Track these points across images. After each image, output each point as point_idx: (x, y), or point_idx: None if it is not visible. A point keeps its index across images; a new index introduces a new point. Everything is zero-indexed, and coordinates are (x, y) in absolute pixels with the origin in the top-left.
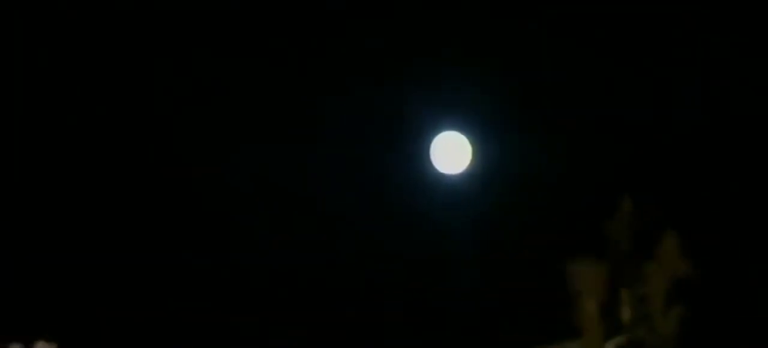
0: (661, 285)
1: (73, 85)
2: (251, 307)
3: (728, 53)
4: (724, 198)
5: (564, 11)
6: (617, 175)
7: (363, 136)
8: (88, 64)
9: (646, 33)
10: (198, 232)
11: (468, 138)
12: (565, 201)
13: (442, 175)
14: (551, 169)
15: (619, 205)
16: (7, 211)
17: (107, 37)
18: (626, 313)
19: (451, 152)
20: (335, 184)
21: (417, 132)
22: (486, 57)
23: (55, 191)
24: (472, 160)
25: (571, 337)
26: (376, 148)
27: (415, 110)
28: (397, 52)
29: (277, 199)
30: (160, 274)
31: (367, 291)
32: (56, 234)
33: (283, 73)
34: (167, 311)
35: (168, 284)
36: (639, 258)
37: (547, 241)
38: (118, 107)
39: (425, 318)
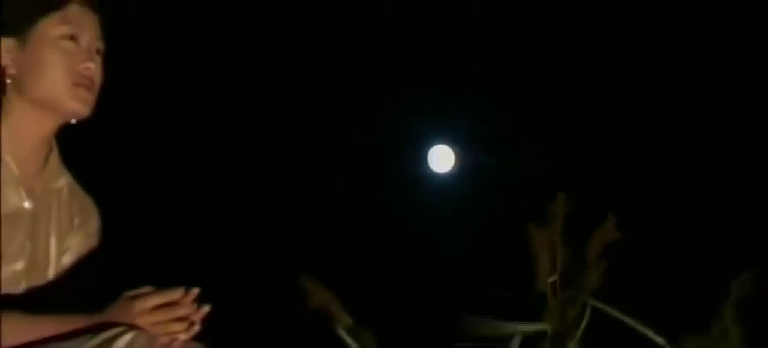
0: (597, 247)
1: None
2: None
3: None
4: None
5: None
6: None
7: (370, 141)
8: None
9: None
10: (199, 231)
11: (453, 148)
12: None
13: (435, 174)
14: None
15: (557, 196)
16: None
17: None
18: (565, 264)
19: (441, 157)
20: (342, 182)
21: (414, 141)
22: (471, 79)
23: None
24: (456, 163)
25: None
26: (380, 151)
27: (412, 123)
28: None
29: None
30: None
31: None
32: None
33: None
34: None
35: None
36: (583, 230)
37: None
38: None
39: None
